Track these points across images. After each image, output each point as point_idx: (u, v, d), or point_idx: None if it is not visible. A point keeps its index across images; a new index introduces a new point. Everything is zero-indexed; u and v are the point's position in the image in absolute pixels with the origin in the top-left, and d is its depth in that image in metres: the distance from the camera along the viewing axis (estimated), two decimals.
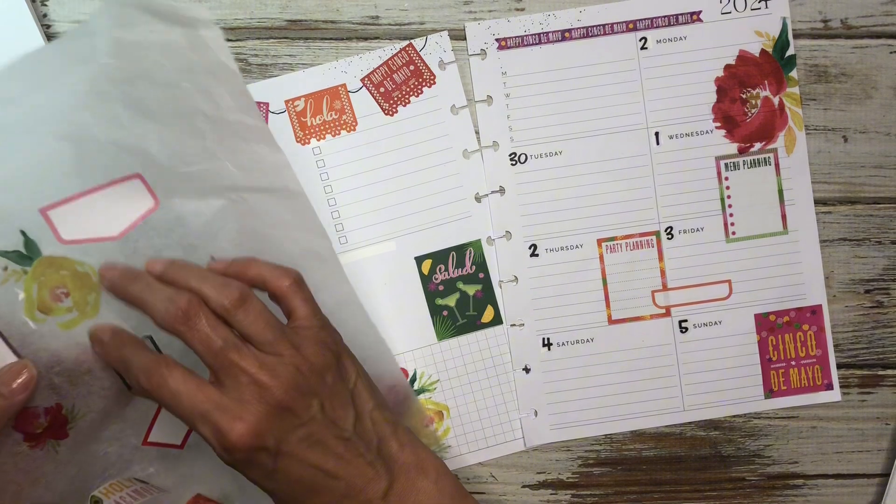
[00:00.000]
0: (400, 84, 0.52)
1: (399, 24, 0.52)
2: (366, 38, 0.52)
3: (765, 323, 0.54)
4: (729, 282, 0.53)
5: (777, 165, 0.53)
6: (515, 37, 0.51)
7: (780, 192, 0.53)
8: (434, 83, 0.52)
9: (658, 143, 0.52)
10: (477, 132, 0.53)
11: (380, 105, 0.52)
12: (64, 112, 0.44)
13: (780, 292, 0.54)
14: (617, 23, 0.51)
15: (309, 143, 0.52)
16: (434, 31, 0.52)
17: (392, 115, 0.52)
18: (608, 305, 0.53)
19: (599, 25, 0.51)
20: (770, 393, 0.54)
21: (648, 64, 0.52)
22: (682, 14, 0.52)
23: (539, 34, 0.51)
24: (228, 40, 0.52)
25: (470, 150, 0.53)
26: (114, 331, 0.42)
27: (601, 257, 0.53)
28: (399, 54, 0.52)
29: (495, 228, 0.52)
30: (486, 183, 0.52)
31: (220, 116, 0.48)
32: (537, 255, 0.53)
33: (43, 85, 0.44)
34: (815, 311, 0.54)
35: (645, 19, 0.51)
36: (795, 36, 0.53)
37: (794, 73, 0.53)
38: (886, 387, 0.55)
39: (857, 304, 0.55)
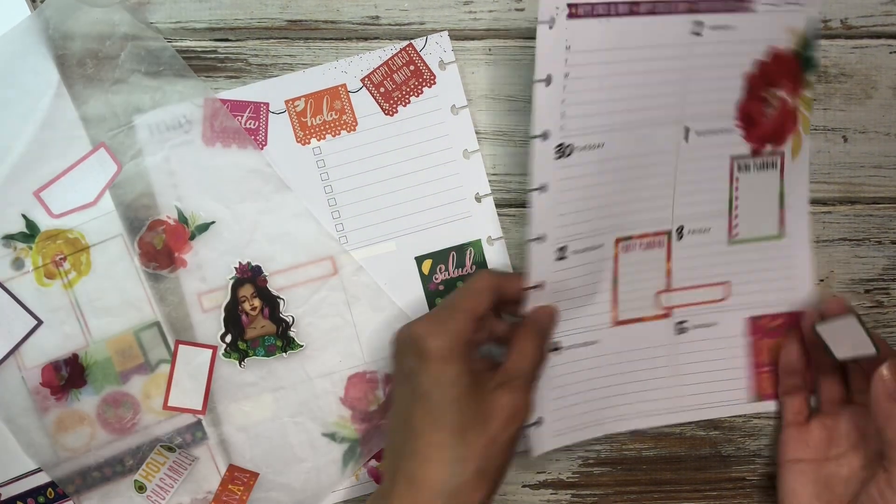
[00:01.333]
0: (400, 84, 0.52)
1: (399, 24, 0.52)
2: (366, 38, 0.52)
3: (757, 326, 0.54)
4: (728, 284, 0.53)
5: (782, 169, 0.52)
6: (587, 3, 0.46)
7: (782, 195, 0.53)
8: (434, 83, 0.52)
9: (687, 140, 0.50)
10: (477, 132, 0.53)
11: (380, 105, 0.52)
12: (40, 100, 0.51)
13: (775, 296, 0.54)
14: (681, 0, 0.48)
15: (309, 143, 0.52)
16: (434, 31, 0.52)
17: (392, 115, 0.52)
18: (615, 307, 0.52)
19: (665, 1, 0.48)
20: (759, 396, 0.54)
21: (700, 51, 0.49)
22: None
23: (609, 3, 0.47)
24: (228, 40, 0.52)
25: (470, 150, 0.53)
26: None
27: (616, 257, 0.52)
28: (399, 54, 0.52)
29: (534, 230, 0.48)
30: (530, 179, 0.47)
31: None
32: (565, 258, 0.50)
33: (12, 76, 0.51)
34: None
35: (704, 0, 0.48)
36: None
37: (812, 77, 0.52)
38: None
39: (857, 304, 0.55)
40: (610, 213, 0.50)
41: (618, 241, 0.51)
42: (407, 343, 0.45)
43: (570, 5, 0.46)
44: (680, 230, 0.52)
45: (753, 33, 0.50)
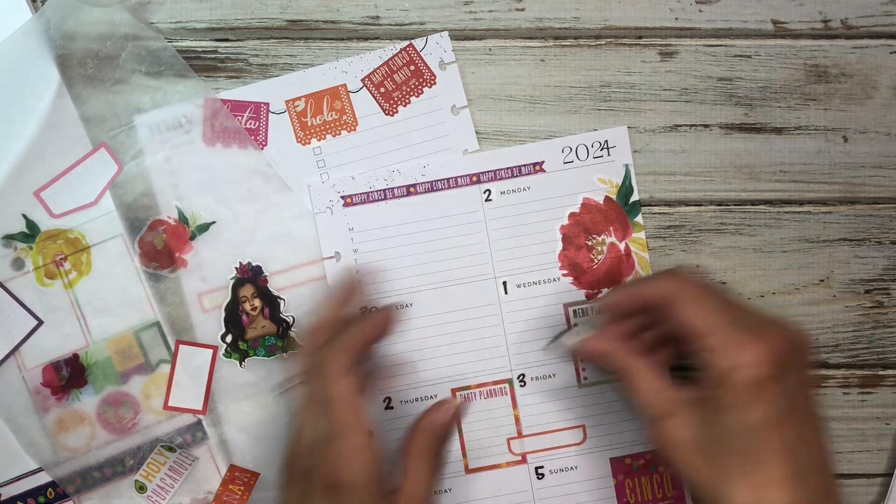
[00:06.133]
0: (400, 84, 0.52)
1: (399, 24, 0.52)
2: (366, 38, 0.52)
3: (620, 466, 0.53)
4: (583, 427, 0.53)
5: None
6: (361, 193, 0.51)
7: None
8: (434, 83, 0.52)
9: (506, 293, 0.52)
10: (477, 132, 0.53)
11: (380, 105, 0.52)
12: (40, 100, 0.50)
13: (635, 435, 0.53)
14: (461, 176, 0.51)
15: (309, 143, 0.52)
16: (434, 31, 0.52)
17: (392, 116, 0.52)
18: (464, 454, 0.52)
19: (443, 179, 0.51)
20: None
21: (494, 215, 0.52)
22: (524, 165, 0.52)
23: (384, 190, 0.51)
24: (228, 40, 0.52)
25: (470, 149, 0.53)
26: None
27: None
28: (399, 54, 0.52)
29: None
30: None
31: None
32: (392, 408, 0.52)
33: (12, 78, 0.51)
34: None
35: (488, 171, 0.52)
36: (795, 36, 0.53)
37: (639, 219, 0.53)
38: (886, 387, 0.55)
39: (857, 304, 0.55)
40: (436, 364, 0.52)
41: (454, 391, 0.52)
42: (314, 482, 0.43)
43: (343, 197, 0.50)
44: (521, 377, 0.52)
45: (555, 191, 0.52)
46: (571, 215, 0.52)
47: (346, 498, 0.42)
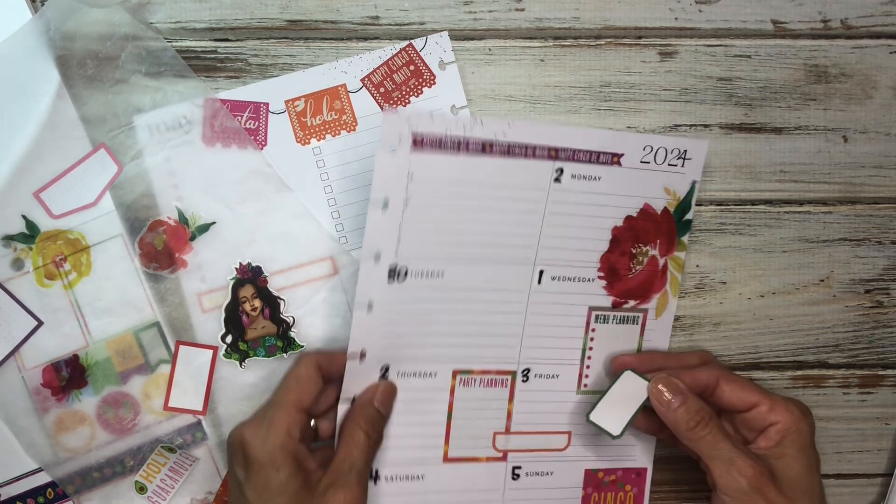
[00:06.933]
0: (400, 84, 0.52)
1: (399, 24, 0.52)
2: (366, 38, 0.52)
3: (592, 479, 0.53)
4: (569, 434, 0.52)
5: (643, 326, 0.52)
6: (432, 138, 0.45)
7: (639, 352, 0.53)
8: (434, 83, 0.52)
9: (540, 282, 0.49)
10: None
11: (380, 105, 0.52)
12: (40, 101, 0.50)
13: (615, 451, 0.53)
14: (541, 146, 0.47)
15: (309, 143, 0.52)
16: (434, 31, 0.52)
17: None
18: (447, 442, 0.50)
19: (523, 145, 0.47)
20: None
21: (557, 198, 0.48)
22: (604, 153, 0.49)
23: (459, 141, 0.46)
24: (228, 40, 0.52)
25: None
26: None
27: (452, 390, 0.50)
28: (399, 54, 0.52)
29: (351, 346, 0.47)
30: (356, 296, 0.46)
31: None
32: (386, 378, 0.48)
33: (12, 79, 0.50)
34: (640, 473, 0.54)
35: (568, 150, 0.48)
36: (795, 36, 0.53)
37: (685, 238, 0.52)
38: (886, 387, 0.55)
39: (857, 304, 0.55)
40: (446, 342, 0.49)
41: (455, 373, 0.50)
42: (234, 449, 0.45)
43: (414, 136, 0.45)
44: (526, 372, 0.51)
45: (624, 188, 0.49)
46: (628, 218, 0.50)
47: (250, 468, 0.44)
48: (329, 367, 0.48)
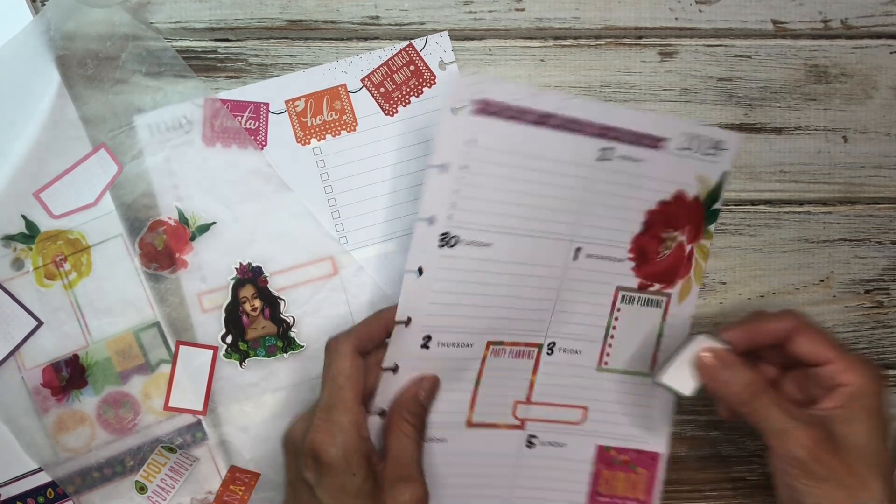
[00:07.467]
0: (400, 84, 0.52)
1: (399, 25, 0.52)
2: (366, 39, 0.52)
3: (604, 456, 0.53)
4: (585, 408, 0.53)
5: (666, 310, 0.53)
6: (498, 104, 0.45)
7: (660, 336, 0.53)
8: (434, 83, 0.52)
9: (575, 259, 0.50)
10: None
11: (380, 105, 0.52)
12: (40, 101, 0.51)
13: (629, 430, 0.53)
14: (592, 123, 0.47)
15: (309, 143, 0.52)
16: (434, 31, 0.52)
17: (392, 116, 0.52)
18: (472, 408, 0.51)
19: (576, 121, 0.47)
20: None
21: (599, 177, 0.49)
22: (648, 136, 0.49)
23: (522, 110, 0.46)
24: (228, 40, 0.52)
25: None
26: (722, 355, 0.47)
27: (484, 359, 0.50)
28: (399, 54, 0.52)
29: (401, 312, 0.47)
30: (407, 260, 0.47)
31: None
32: (427, 348, 0.48)
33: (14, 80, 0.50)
34: (654, 458, 0.54)
35: (618, 129, 0.48)
36: (795, 36, 0.53)
37: (712, 228, 0.53)
38: (886, 387, 0.55)
39: (857, 304, 0.55)
40: (485, 314, 0.49)
41: (489, 343, 0.50)
42: (301, 455, 0.45)
43: (480, 101, 0.45)
44: (551, 346, 0.52)
45: (662, 172, 0.50)
46: (661, 203, 0.51)
47: (323, 472, 0.44)
48: (366, 345, 0.47)
